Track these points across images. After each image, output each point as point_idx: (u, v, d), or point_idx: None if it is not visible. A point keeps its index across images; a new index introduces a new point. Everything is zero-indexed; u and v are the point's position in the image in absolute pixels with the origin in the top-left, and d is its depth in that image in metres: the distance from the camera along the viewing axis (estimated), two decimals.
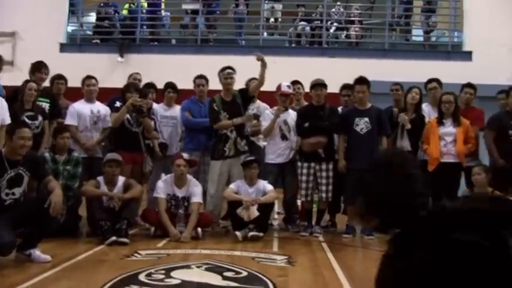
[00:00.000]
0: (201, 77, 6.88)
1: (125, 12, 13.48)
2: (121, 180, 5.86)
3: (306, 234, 6.15)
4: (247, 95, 6.34)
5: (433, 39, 13.37)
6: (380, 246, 5.73)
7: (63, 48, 12.35)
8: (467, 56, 11.73)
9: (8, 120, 5.63)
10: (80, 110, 6.42)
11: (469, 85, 6.70)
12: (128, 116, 6.28)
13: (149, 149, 6.56)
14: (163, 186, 5.96)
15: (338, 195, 6.42)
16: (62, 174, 5.67)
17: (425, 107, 6.69)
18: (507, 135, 6.26)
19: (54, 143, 5.85)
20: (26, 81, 6.01)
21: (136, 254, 4.81)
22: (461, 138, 6.07)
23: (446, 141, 6.08)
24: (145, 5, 13.06)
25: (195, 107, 6.75)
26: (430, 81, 6.83)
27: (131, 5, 13.40)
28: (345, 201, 6.55)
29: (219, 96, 6.36)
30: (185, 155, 6.16)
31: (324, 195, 6.22)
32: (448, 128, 6.11)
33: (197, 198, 5.92)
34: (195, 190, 5.96)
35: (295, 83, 6.90)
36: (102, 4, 13.51)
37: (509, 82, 8.25)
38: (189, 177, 6.08)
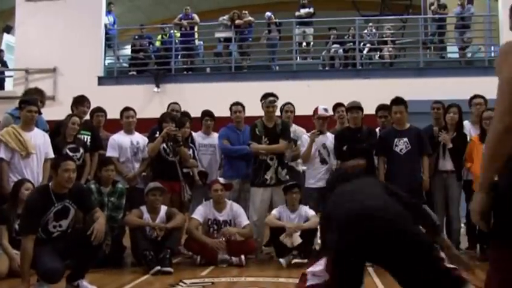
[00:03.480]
0: (237, 103, 6.91)
1: (158, 43, 13.78)
2: (163, 209, 5.90)
3: None
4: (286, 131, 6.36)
5: (469, 55, 13.20)
6: None
7: (101, 81, 12.66)
8: None
9: (51, 154, 5.77)
10: (120, 142, 6.53)
11: None
12: (164, 145, 6.36)
13: (188, 177, 6.60)
14: (202, 210, 6.06)
15: None
16: (107, 206, 5.77)
17: (466, 124, 6.54)
18: None
19: (99, 175, 5.96)
20: (70, 116, 6.16)
21: (181, 283, 4.81)
22: None
23: None
24: (178, 35, 13.30)
25: (233, 134, 6.77)
26: (476, 97, 6.61)
27: (164, 36, 13.68)
28: None
29: (261, 122, 6.37)
30: (221, 179, 6.22)
31: None
32: None
33: (246, 221, 6.01)
34: (240, 213, 6.05)
35: (338, 105, 6.86)
36: (136, 37, 13.85)
37: None
38: (228, 201, 6.13)
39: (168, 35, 13.59)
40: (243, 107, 6.90)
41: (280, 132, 6.28)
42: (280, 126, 6.32)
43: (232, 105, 6.93)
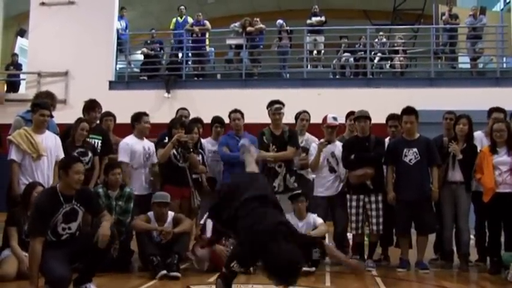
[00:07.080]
0: (236, 111, 6.89)
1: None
2: (170, 215, 5.88)
3: None
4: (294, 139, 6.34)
5: (481, 65, 13.16)
6: (435, 280, 5.57)
7: (112, 85, 12.74)
8: None
9: (62, 157, 5.77)
10: (134, 147, 6.44)
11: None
12: (174, 151, 6.34)
13: (197, 183, 6.60)
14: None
15: (389, 227, 6.30)
16: (115, 210, 5.77)
17: (479, 135, 6.48)
18: None
19: (106, 179, 5.97)
20: (80, 120, 6.15)
21: None
22: None
23: (501, 170, 5.84)
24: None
25: (232, 141, 6.69)
26: (496, 110, 6.46)
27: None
28: (396, 233, 6.41)
29: (269, 130, 6.38)
30: None
31: (374, 227, 6.09)
32: (503, 157, 5.89)
33: None
34: None
35: (351, 114, 6.82)
36: (149, 41, 13.94)
37: None
38: None
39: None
40: (242, 114, 6.88)
41: (288, 139, 6.29)
42: (287, 134, 6.32)
43: (230, 112, 6.91)
